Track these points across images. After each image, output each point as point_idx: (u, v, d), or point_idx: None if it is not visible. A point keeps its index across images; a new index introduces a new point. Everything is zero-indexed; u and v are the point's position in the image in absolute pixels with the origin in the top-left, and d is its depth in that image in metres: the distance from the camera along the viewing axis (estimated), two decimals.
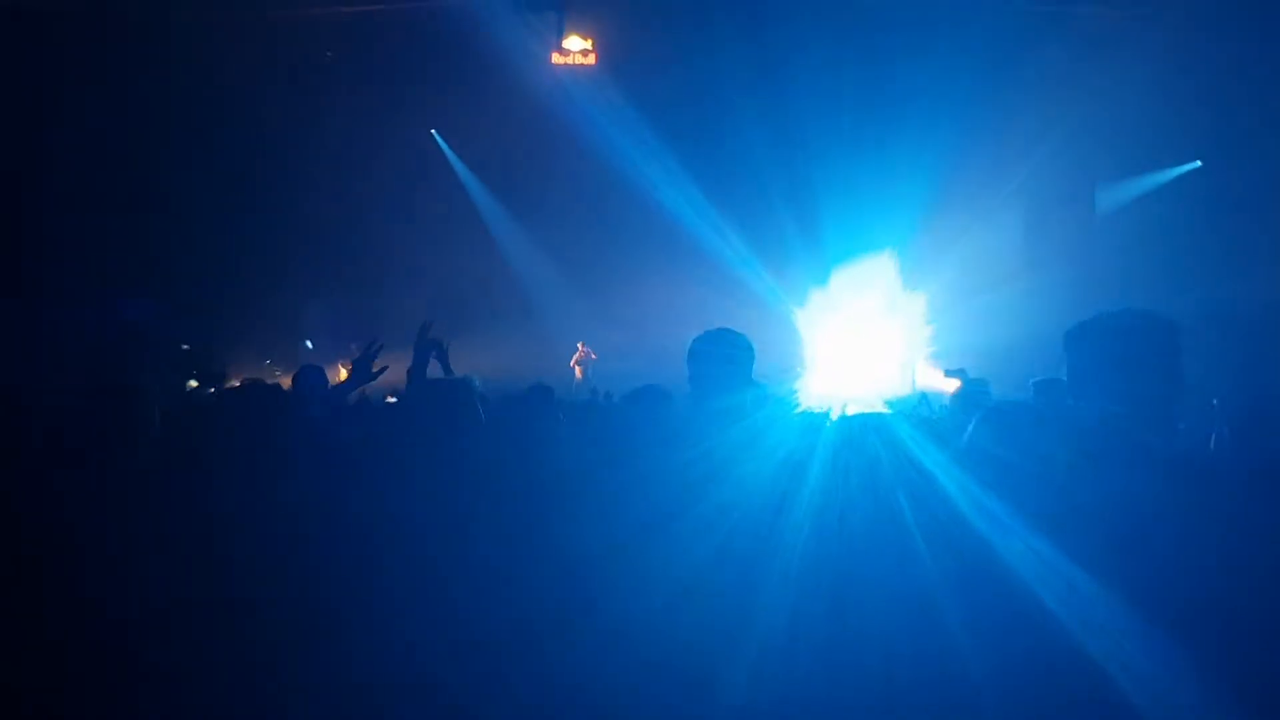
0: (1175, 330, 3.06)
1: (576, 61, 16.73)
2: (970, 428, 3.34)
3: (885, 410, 7.64)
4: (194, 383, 11.58)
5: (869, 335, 18.03)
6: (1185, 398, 3.13)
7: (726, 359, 3.78)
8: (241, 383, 4.56)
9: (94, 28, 15.52)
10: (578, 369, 19.11)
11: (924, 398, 8.48)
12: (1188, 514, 2.96)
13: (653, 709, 2.88)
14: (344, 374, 17.45)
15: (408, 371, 4.68)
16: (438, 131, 20.03)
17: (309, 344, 17.82)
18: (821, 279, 18.20)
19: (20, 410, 4.16)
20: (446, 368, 6.85)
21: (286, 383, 7.15)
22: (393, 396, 8.68)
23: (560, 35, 16.57)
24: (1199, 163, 17.35)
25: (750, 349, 3.81)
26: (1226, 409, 6.08)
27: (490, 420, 3.83)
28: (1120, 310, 3.12)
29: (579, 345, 19.31)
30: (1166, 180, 17.71)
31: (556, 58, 16.65)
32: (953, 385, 9.28)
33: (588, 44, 16.67)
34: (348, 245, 19.60)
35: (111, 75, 15.77)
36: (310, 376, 6.93)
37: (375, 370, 5.26)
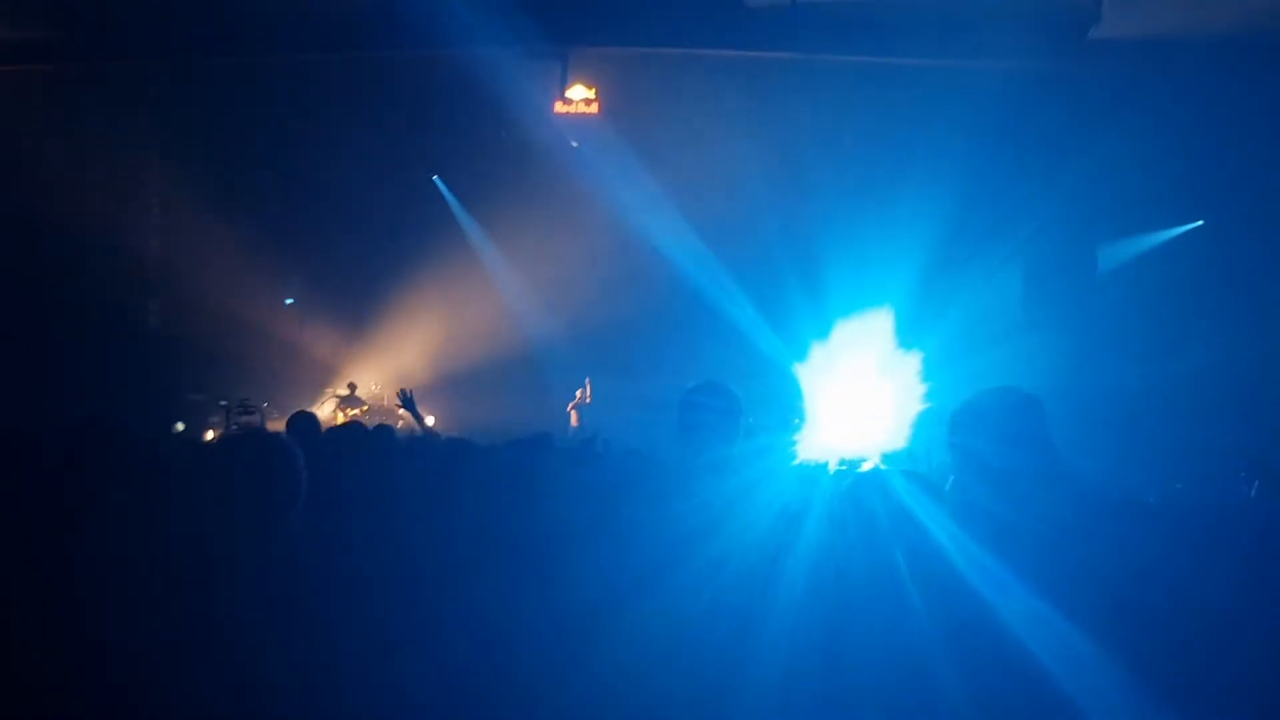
0: (1041, 405, 3.18)
1: (579, 111, 16.80)
2: (951, 478, 3.35)
3: (882, 464, 7.64)
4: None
5: (868, 389, 18.00)
6: (1054, 466, 3.22)
7: (718, 411, 3.76)
8: (238, 431, 4.56)
9: (113, 70, 15.71)
10: (574, 414, 19.07)
11: (923, 453, 8.45)
12: (1185, 571, 2.95)
13: None
14: (337, 415, 17.36)
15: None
16: (440, 178, 20.12)
17: (265, 404, 17.76)
18: (822, 333, 18.20)
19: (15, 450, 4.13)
20: (415, 414, 6.94)
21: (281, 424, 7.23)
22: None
23: (564, 84, 16.66)
24: (1201, 221, 17.42)
25: (739, 401, 3.80)
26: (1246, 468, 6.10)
27: (490, 469, 3.82)
28: (995, 389, 3.23)
29: (577, 392, 19.27)
30: (1168, 239, 17.78)
31: (560, 107, 16.72)
32: None
33: (590, 93, 16.75)
34: (347, 290, 19.67)
35: (121, 112, 15.90)
36: (303, 422, 7.01)
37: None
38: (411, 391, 7.04)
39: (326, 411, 18.59)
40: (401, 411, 19.56)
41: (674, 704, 2.84)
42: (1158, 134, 15.03)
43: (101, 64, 15.70)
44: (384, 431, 7.39)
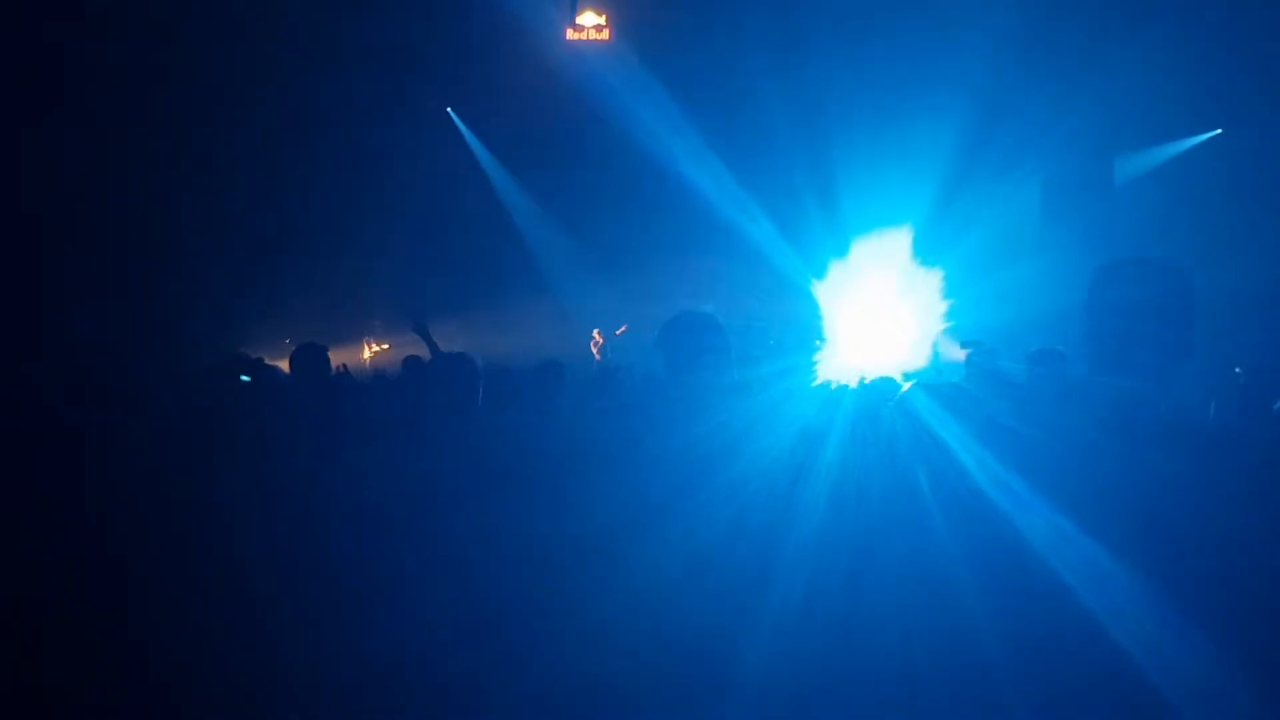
0: (1190, 278, 3.08)
1: (591, 37, 16.63)
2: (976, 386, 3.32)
3: (902, 382, 7.63)
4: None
5: (888, 308, 17.95)
6: (1196, 351, 3.13)
7: (703, 346, 3.66)
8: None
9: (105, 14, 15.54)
10: (596, 352, 19.04)
11: (941, 369, 8.42)
12: (1206, 489, 2.94)
13: (669, 680, 2.88)
14: (368, 351, 17.41)
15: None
16: (453, 109, 19.98)
17: (287, 340, 17.77)
18: (841, 252, 18.10)
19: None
20: (431, 343, 6.94)
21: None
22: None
23: (574, 10, 16.47)
24: (1219, 130, 17.18)
25: (721, 328, 3.69)
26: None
27: (505, 395, 3.82)
28: (1139, 257, 3.14)
29: (595, 334, 19.23)
30: (1186, 149, 17.55)
31: (571, 33, 16.54)
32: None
33: (602, 19, 16.56)
34: (361, 223, 19.61)
35: (124, 52, 15.77)
36: (308, 355, 6.91)
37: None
38: (424, 320, 6.97)
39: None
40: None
41: (696, 624, 2.86)
42: (1177, 43, 14.80)
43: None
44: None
